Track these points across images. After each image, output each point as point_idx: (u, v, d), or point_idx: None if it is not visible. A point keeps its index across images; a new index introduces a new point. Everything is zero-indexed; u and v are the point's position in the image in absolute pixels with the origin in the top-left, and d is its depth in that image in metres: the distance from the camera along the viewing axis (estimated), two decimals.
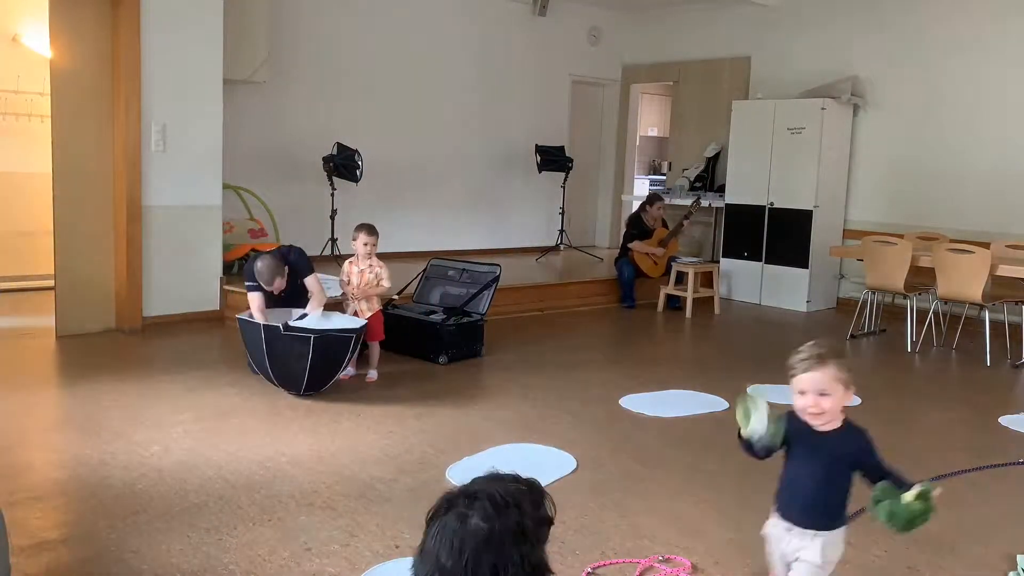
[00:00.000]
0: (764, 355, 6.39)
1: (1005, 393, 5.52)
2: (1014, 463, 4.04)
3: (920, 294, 6.70)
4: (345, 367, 4.88)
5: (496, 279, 5.98)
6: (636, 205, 12.06)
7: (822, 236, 8.17)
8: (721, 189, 9.11)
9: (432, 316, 5.72)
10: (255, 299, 4.81)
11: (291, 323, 4.64)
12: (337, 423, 4.26)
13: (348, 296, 5.21)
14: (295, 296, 5.00)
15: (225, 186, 6.69)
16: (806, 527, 2.32)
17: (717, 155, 9.60)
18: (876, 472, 2.31)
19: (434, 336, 5.57)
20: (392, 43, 8.55)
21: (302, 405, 4.53)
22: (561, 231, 9.58)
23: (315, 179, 7.74)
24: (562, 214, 9.62)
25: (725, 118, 8.93)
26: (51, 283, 6.04)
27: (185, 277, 6.38)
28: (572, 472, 3.71)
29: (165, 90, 6.13)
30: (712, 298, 8.02)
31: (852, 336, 7.02)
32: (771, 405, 2.32)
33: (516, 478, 1.45)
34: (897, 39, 8.07)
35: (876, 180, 8.29)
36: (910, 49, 7.98)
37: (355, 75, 8.30)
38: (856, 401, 5.24)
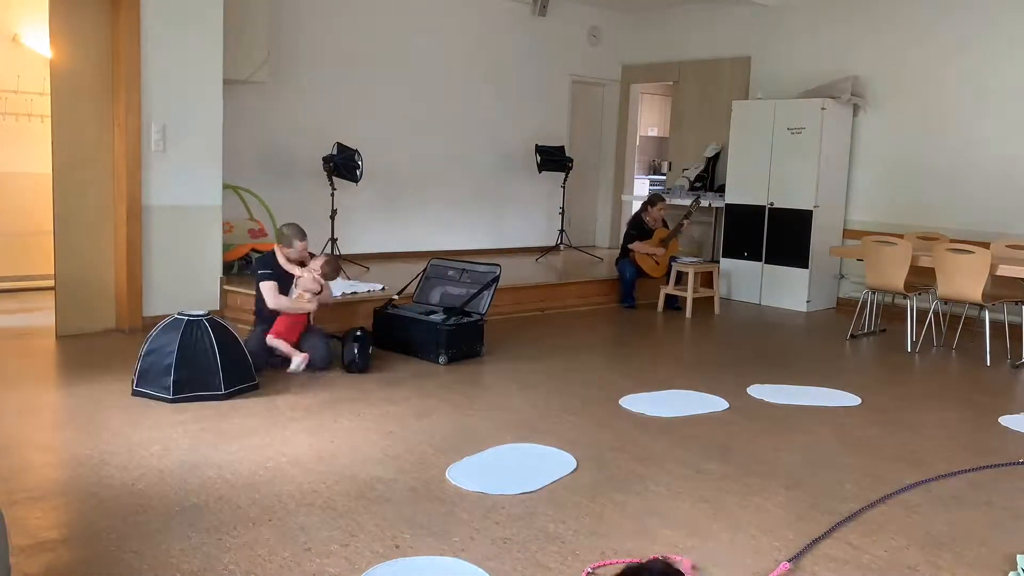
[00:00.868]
0: (764, 355, 6.40)
1: (1005, 393, 5.52)
2: (1014, 463, 4.04)
3: (920, 294, 6.70)
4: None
5: (496, 279, 5.98)
6: (636, 205, 12.09)
7: (822, 236, 8.17)
8: (721, 189, 9.11)
9: (432, 316, 5.72)
10: (270, 287, 5.17)
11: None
12: (337, 423, 4.26)
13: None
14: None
15: (225, 186, 6.69)
16: None
17: (717, 155, 9.60)
18: None
19: (434, 336, 5.57)
20: (392, 43, 8.56)
21: (302, 405, 4.53)
22: (561, 231, 9.59)
23: (315, 179, 7.74)
24: (562, 214, 9.62)
25: (725, 118, 8.94)
26: (51, 283, 6.05)
27: (185, 277, 6.38)
28: (572, 472, 3.70)
29: (165, 90, 6.13)
30: (712, 298, 8.02)
31: (852, 336, 7.02)
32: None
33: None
34: (897, 39, 8.07)
35: (876, 180, 8.29)
36: (910, 49, 7.98)
37: (355, 75, 8.31)
38: (856, 401, 5.27)
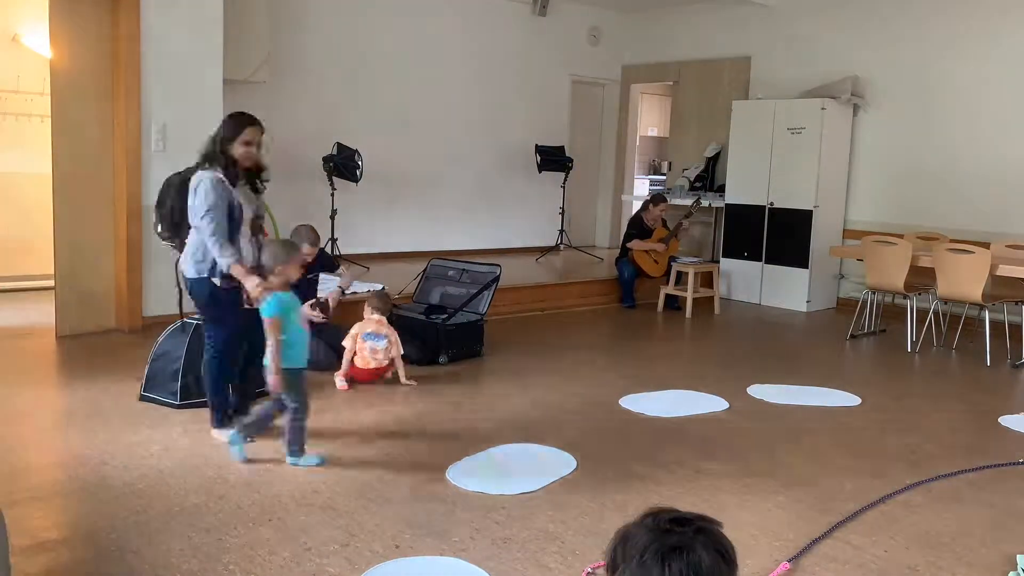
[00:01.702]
0: (764, 355, 6.40)
1: (1005, 393, 5.52)
2: (1014, 463, 4.04)
3: (920, 294, 6.70)
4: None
5: (496, 279, 5.98)
6: (636, 205, 12.07)
7: (822, 236, 8.17)
8: (721, 189, 9.11)
9: (432, 316, 5.72)
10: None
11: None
12: (337, 423, 4.26)
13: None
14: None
15: None
16: None
17: (717, 155, 9.60)
18: None
19: (434, 336, 5.56)
20: (392, 43, 8.56)
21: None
22: (561, 231, 9.59)
23: (315, 179, 7.74)
24: (562, 214, 9.62)
25: (725, 118, 8.93)
26: (51, 283, 6.04)
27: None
28: (572, 472, 3.71)
29: (165, 90, 6.12)
30: (712, 298, 8.02)
31: (852, 336, 7.02)
32: None
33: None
34: (897, 39, 8.07)
35: (876, 180, 8.29)
36: (910, 49, 7.98)
37: (355, 75, 8.30)
38: (856, 401, 5.26)
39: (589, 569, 2.81)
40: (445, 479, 3.55)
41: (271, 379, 3.61)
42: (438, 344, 5.55)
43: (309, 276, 5.31)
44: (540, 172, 9.36)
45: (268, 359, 3.62)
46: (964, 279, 6.20)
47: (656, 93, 13.19)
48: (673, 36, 10.09)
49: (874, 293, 7.00)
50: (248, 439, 3.75)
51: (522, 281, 7.53)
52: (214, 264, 3.85)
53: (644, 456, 3.95)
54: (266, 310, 3.63)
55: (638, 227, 8.07)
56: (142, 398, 4.50)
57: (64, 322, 5.91)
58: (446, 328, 5.59)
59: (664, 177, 11.38)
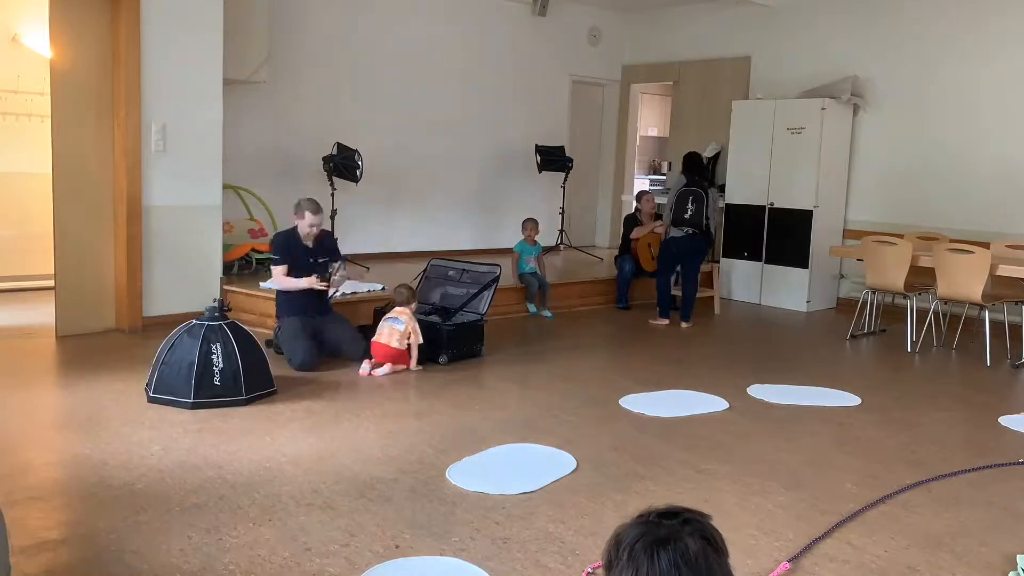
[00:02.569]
0: (764, 355, 6.40)
1: (1005, 393, 5.52)
2: (1014, 463, 4.04)
3: (920, 294, 6.70)
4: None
5: (496, 279, 5.98)
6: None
7: (822, 236, 8.17)
8: (721, 189, 9.11)
9: (432, 316, 5.73)
10: (280, 271, 5.45)
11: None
12: (337, 423, 4.26)
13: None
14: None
15: (225, 186, 6.69)
16: None
17: (717, 155, 9.60)
18: None
19: (434, 336, 5.56)
20: (392, 43, 8.56)
21: (302, 405, 4.53)
22: (561, 231, 9.59)
23: (315, 179, 7.74)
24: (562, 214, 9.62)
25: (725, 118, 8.94)
26: (51, 283, 6.04)
27: (185, 277, 6.38)
28: (572, 472, 3.70)
29: (165, 90, 6.13)
30: (712, 298, 8.02)
31: (852, 336, 7.02)
32: None
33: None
34: (897, 39, 8.07)
35: (876, 180, 8.29)
36: (910, 49, 7.98)
37: (355, 75, 8.31)
38: (856, 401, 5.26)
39: (589, 569, 2.81)
40: (445, 479, 3.55)
41: None
42: (438, 344, 5.55)
43: (321, 260, 5.54)
44: (540, 172, 9.36)
45: None
46: (964, 279, 6.20)
47: (656, 93, 13.18)
48: (673, 36, 10.09)
49: (874, 293, 7.00)
50: None
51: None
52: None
53: (644, 456, 3.95)
54: None
55: (635, 220, 8.07)
56: (151, 400, 4.47)
57: (64, 322, 5.91)
58: (446, 328, 5.59)
59: (664, 177, 11.38)
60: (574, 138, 10.31)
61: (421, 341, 5.35)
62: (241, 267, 7.27)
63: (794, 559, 2.93)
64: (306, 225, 5.46)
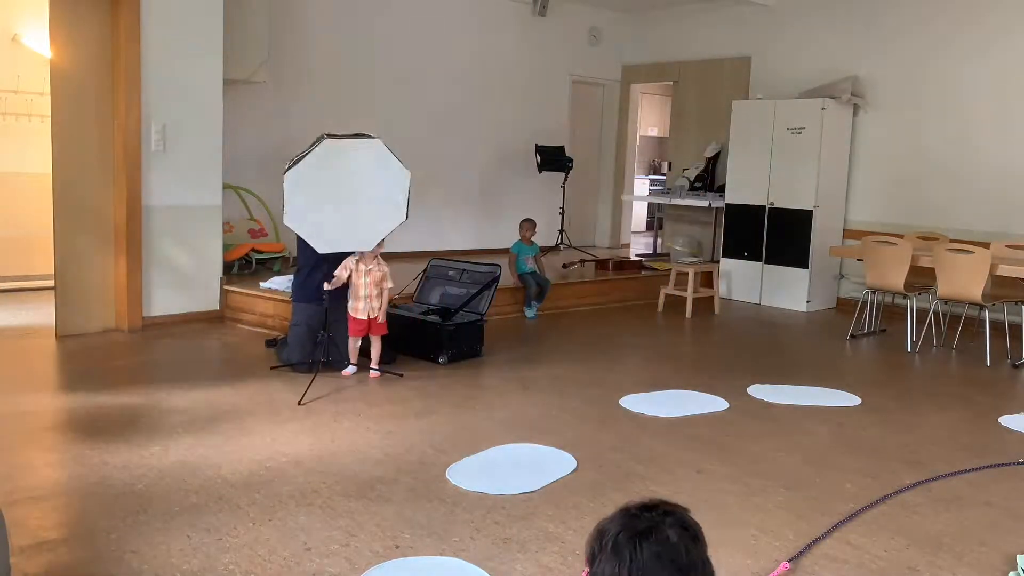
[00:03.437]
0: (764, 355, 6.40)
1: (1005, 393, 5.52)
2: (1014, 463, 4.04)
3: (920, 294, 6.70)
4: (347, 365, 5.12)
5: (496, 279, 5.98)
6: (636, 205, 12.10)
7: (822, 236, 8.17)
8: (721, 189, 9.11)
9: (432, 316, 5.73)
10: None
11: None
12: (337, 423, 4.26)
13: (354, 295, 5.18)
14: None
15: (225, 186, 6.69)
16: None
17: (717, 155, 9.60)
18: None
19: (434, 336, 5.56)
20: (392, 43, 8.56)
21: (303, 405, 4.53)
22: (561, 231, 9.59)
23: None
24: (562, 214, 9.62)
25: (725, 118, 8.94)
26: (51, 283, 6.04)
27: (185, 277, 6.38)
28: (572, 472, 3.70)
29: (165, 90, 6.13)
30: (712, 298, 8.02)
31: (852, 336, 7.02)
32: None
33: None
34: (897, 39, 8.07)
35: (876, 180, 8.29)
36: (910, 49, 7.98)
37: (355, 75, 8.31)
38: (856, 401, 5.26)
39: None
40: (445, 479, 3.55)
41: None
42: (438, 344, 5.54)
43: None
44: (540, 172, 9.37)
45: None
46: (964, 279, 6.20)
47: (656, 93, 13.19)
48: (673, 36, 10.09)
49: (874, 293, 7.00)
50: None
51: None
52: None
53: (644, 456, 3.95)
54: None
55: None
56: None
57: (64, 322, 5.91)
58: (446, 328, 5.59)
59: (664, 177, 11.39)
60: (574, 138, 10.31)
61: (391, 285, 5.21)
62: (241, 267, 7.27)
63: (794, 559, 2.93)
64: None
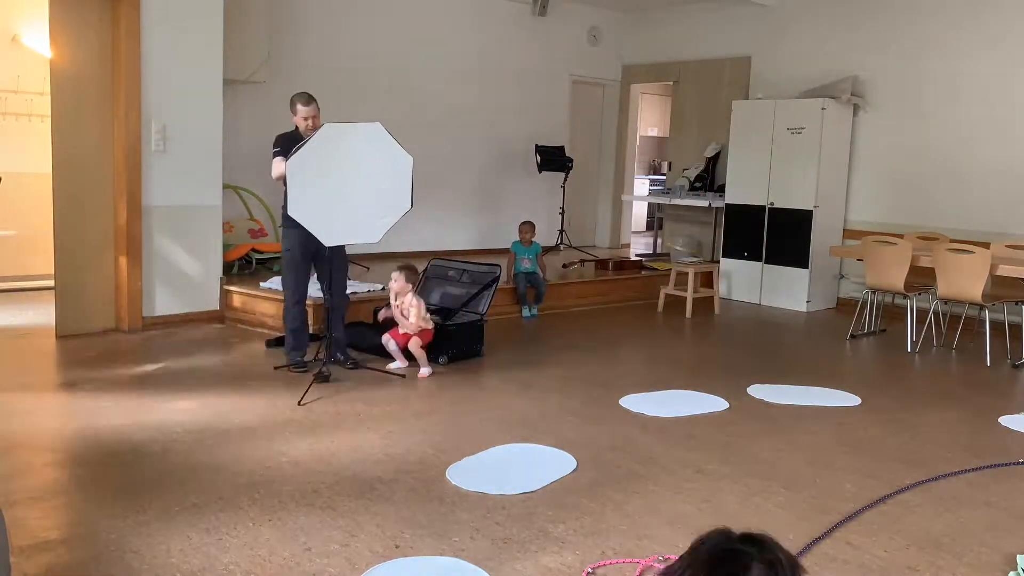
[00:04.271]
0: (764, 355, 6.40)
1: (1005, 393, 5.52)
2: (1014, 463, 4.04)
3: (920, 294, 6.70)
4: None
5: (496, 280, 5.99)
6: (636, 205, 12.10)
7: (822, 236, 8.17)
8: (721, 189, 9.11)
9: (432, 316, 5.72)
10: (279, 160, 5.16)
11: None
12: (337, 423, 4.26)
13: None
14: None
15: (225, 186, 6.69)
16: None
17: (717, 155, 9.60)
18: None
19: (434, 336, 5.56)
20: (392, 43, 8.55)
21: (302, 405, 4.53)
22: (561, 231, 9.59)
23: None
24: (562, 214, 9.62)
25: (725, 118, 8.93)
26: (51, 283, 6.04)
27: (185, 277, 6.38)
28: (572, 472, 3.70)
29: (165, 90, 6.13)
30: (712, 298, 8.02)
31: (852, 336, 7.02)
32: None
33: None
34: (897, 39, 8.07)
35: (876, 180, 8.29)
36: (910, 49, 7.98)
37: (355, 75, 8.30)
38: (856, 401, 5.26)
39: (589, 569, 2.81)
40: (445, 479, 3.55)
41: None
42: (438, 344, 5.54)
43: None
44: (540, 172, 9.36)
45: None
46: (964, 279, 6.20)
47: (656, 93, 13.19)
48: (673, 36, 10.09)
49: (874, 293, 7.00)
50: None
51: None
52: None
53: (644, 456, 3.95)
54: None
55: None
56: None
57: (64, 322, 5.91)
58: (446, 328, 5.59)
59: (664, 177, 11.39)
60: (574, 138, 10.30)
61: (426, 315, 5.42)
62: (241, 267, 7.27)
63: None
64: (301, 119, 5.20)
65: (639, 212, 12.92)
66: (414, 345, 5.29)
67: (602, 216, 11.10)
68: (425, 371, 5.27)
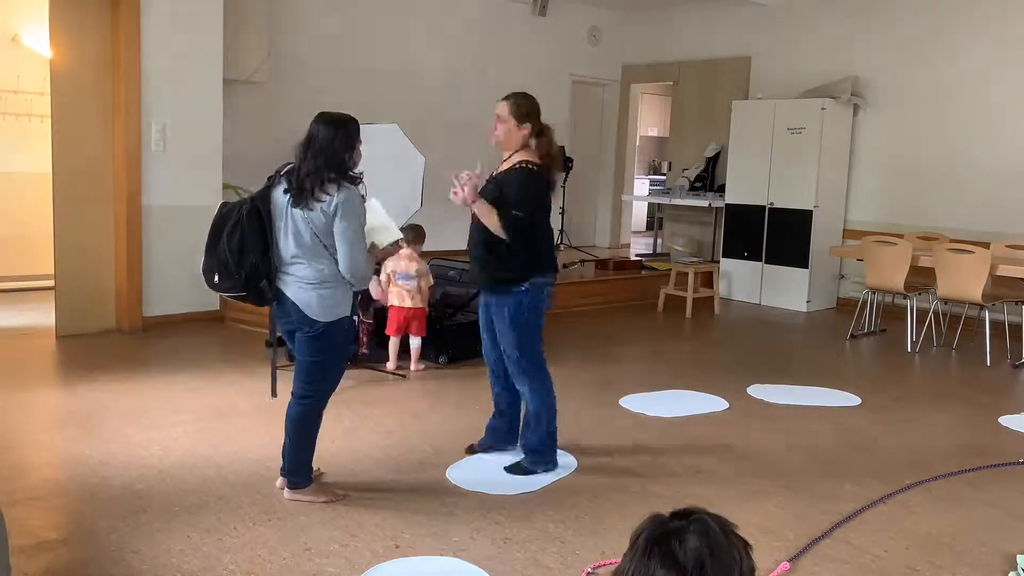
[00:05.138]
0: (764, 355, 6.40)
1: (1005, 393, 5.52)
2: (1014, 463, 4.04)
3: (920, 294, 6.70)
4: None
5: None
6: (636, 205, 12.09)
7: (822, 236, 8.17)
8: (721, 189, 9.11)
9: (432, 316, 5.73)
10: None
11: None
12: (337, 423, 4.26)
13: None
14: None
15: (225, 186, 6.69)
16: None
17: (717, 155, 9.60)
18: None
19: (434, 336, 5.56)
20: (392, 42, 8.55)
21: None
22: (561, 231, 9.58)
23: None
24: (562, 214, 9.61)
25: (725, 118, 8.93)
26: (51, 283, 6.04)
27: (185, 277, 6.36)
28: (573, 472, 3.71)
29: (165, 90, 6.13)
30: (712, 298, 8.02)
31: (852, 336, 7.01)
32: None
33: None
34: (897, 39, 8.07)
35: (876, 180, 8.29)
36: (910, 49, 7.98)
37: (354, 75, 8.29)
38: (856, 401, 5.26)
39: (589, 569, 2.81)
40: (445, 479, 3.55)
41: None
42: (438, 344, 5.54)
43: None
44: None
45: None
46: (964, 279, 6.20)
47: (656, 93, 13.19)
48: (673, 36, 10.08)
49: (874, 293, 7.00)
50: None
51: None
52: (353, 298, 3.34)
53: (644, 456, 3.95)
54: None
55: None
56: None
57: (64, 322, 5.91)
58: (446, 328, 5.58)
59: (664, 177, 11.39)
60: (574, 138, 10.30)
61: (432, 283, 5.41)
62: None
63: (794, 559, 2.93)
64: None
65: (639, 212, 12.92)
66: (415, 344, 5.31)
67: (602, 216, 11.10)
68: (419, 365, 5.35)
